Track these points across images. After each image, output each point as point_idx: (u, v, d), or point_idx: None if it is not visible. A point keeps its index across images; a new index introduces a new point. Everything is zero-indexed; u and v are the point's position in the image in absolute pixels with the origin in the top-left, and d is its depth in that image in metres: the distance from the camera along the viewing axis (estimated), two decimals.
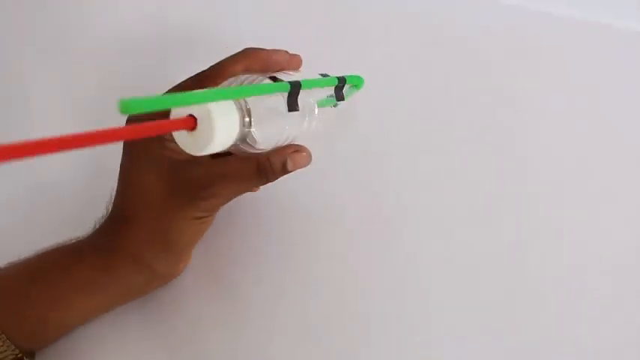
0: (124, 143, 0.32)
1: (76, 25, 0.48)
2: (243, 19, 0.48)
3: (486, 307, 0.35)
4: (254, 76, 0.29)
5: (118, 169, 0.32)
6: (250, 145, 0.27)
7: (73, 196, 0.40)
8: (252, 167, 0.29)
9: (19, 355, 0.31)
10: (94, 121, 0.41)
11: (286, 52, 0.32)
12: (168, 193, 0.30)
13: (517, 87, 0.46)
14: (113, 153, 0.40)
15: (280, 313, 0.34)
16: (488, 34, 0.50)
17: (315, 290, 0.35)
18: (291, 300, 0.35)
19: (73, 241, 0.33)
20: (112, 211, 0.33)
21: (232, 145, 0.26)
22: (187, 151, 0.24)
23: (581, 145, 0.44)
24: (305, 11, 0.49)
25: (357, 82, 0.30)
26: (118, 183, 0.32)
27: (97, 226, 0.33)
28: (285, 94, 0.28)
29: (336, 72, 0.32)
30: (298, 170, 0.30)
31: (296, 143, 0.30)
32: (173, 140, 0.26)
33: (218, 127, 0.23)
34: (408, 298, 0.35)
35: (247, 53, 0.31)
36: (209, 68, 0.31)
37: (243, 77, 0.30)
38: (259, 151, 0.28)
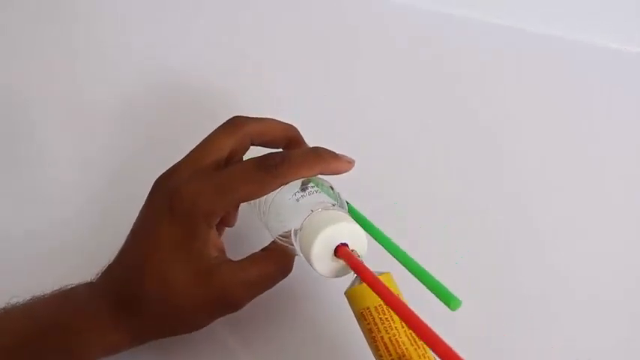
0: (153, 231, 0.28)
1: (89, 78, 0.48)
2: (249, 78, 0.48)
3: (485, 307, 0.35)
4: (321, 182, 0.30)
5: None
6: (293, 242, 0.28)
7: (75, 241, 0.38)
8: (288, 267, 0.30)
9: None
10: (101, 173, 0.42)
11: (347, 161, 0.31)
12: (204, 299, 0.28)
13: (514, 107, 0.48)
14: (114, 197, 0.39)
15: None
16: (482, 55, 0.52)
17: None
18: None
19: (72, 292, 0.29)
20: (122, 298, 0.28)
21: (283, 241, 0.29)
22: (324, 274, 0.27)
23: (580, 156, 0.45)
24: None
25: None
26: (142, 273, 0.28)
27: (98, 297, 0.29)
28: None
29: None
30: None
31: None
32: (215, 237, 0.28)
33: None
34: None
35: (319, 157, 0.30)
36: (284, 161, 0.28)
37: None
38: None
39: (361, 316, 0.26)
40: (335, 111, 0.46)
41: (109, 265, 0.30)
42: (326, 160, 0.29)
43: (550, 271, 0.37)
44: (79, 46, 0.51)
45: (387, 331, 0.25)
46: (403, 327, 0.25)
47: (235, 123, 0.31)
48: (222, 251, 0.30)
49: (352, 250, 0.26)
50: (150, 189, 0.30)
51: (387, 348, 0.24)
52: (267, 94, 0.46)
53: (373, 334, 0.25)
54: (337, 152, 0.31)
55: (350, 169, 0.31)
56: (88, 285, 0.30)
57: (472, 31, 0.54)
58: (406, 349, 0.24)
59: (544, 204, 0.41)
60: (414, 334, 0.25)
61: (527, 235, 0.39)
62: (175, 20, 0.53)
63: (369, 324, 0.25)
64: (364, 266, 0.25)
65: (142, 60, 0.49)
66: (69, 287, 0.30)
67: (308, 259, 0.27)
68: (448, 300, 0.24)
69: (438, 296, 0.24)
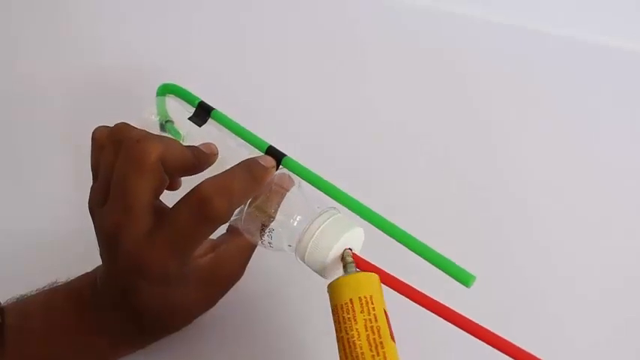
0: (141, 298, 0.28)
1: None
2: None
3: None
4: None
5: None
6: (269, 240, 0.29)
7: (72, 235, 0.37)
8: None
9: None
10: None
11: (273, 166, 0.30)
12: (208, 299, 0.31)
13: (514, 107, 0.48)
14: None
15: None
16: (483, 54, 0.52)
17: None
18: None
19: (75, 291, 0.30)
20: (134, 322, 0.29)
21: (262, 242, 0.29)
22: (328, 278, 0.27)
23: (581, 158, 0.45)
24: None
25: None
26: (149, 305, 0.28)
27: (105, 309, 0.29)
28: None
29: None
30: None
31: None
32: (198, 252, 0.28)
33: None
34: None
35: (256, 181, 0.28)
36: (225, 201, 0.26)
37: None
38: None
39: (333, 312, 0.25)
40: (335, 111, 0.46)
41: (111, 299, 0.29)
42: (263, 180, 0.28)
43: (550, 271, 0.37)
44: (79, 46, 0.51)
45: (346, 331, 0.24)
46: (367, 331, 0.24)
47: (141, 155, 0.26)
48: (211, 247, 0.31)
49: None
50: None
51: (343, 348, 0.24)
52: (267, 94, 0.46)
53: (336, 333, 0.25)
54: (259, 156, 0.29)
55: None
56: (95, 305, 0.29)
57: (473, 30, 0.54)
58: (362, 353, 0.23)
59: (544, 204, 0.41)
60: (377, 341, 0.23)
61: (527, 235, 0.39)
62: (175, 20, 0.53)
63: (336, 322, 0.25)
64: (377, 268, 0.26)
65: (142, 60, 0.49)
66: (73, 282, 0.31)
67: (319, 273, 0.27)
68: (459, 276, 0.24)
69: (448, 274, 0.24)
